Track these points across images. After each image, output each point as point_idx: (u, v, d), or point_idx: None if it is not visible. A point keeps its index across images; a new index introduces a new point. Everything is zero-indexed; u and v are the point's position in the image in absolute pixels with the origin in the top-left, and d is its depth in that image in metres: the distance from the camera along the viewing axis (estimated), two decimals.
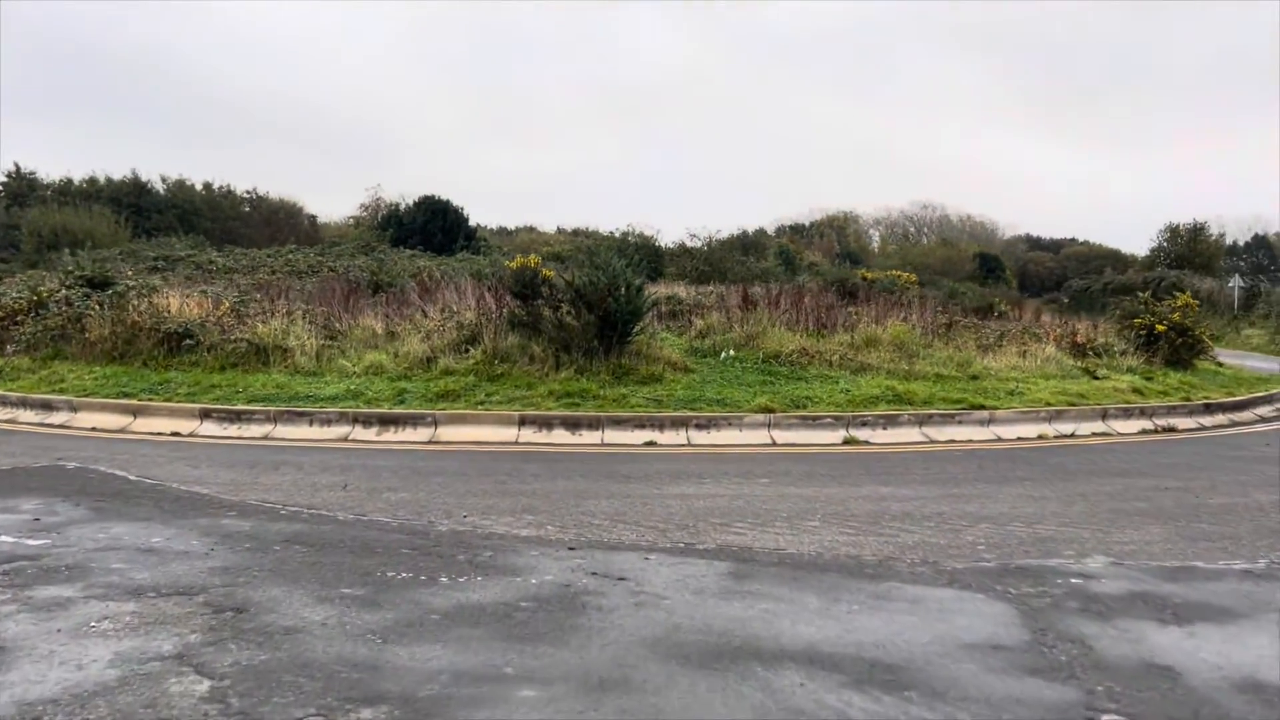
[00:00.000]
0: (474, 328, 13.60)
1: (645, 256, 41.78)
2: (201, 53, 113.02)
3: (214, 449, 10.76)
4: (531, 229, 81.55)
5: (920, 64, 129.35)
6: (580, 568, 5.70)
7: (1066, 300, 58.06)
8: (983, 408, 12.67)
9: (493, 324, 13.46)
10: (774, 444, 11.47)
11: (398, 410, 11.88)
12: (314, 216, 73.96)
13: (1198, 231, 72.33)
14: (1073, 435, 12.58)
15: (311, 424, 11.81)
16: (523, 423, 11.62)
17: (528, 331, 13.54)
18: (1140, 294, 18.47)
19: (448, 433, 11.51)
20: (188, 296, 15.31)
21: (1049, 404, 13.16)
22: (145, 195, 61.78)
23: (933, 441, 11.86)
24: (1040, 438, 12.36)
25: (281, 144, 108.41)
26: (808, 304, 16.50)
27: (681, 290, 22.16)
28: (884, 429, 12.07)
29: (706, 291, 21.50)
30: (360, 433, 11.60)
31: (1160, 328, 16.43)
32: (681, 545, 6.40)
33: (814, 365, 14.05)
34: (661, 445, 11.28)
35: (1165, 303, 17.73)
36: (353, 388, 12.63)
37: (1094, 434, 12.77)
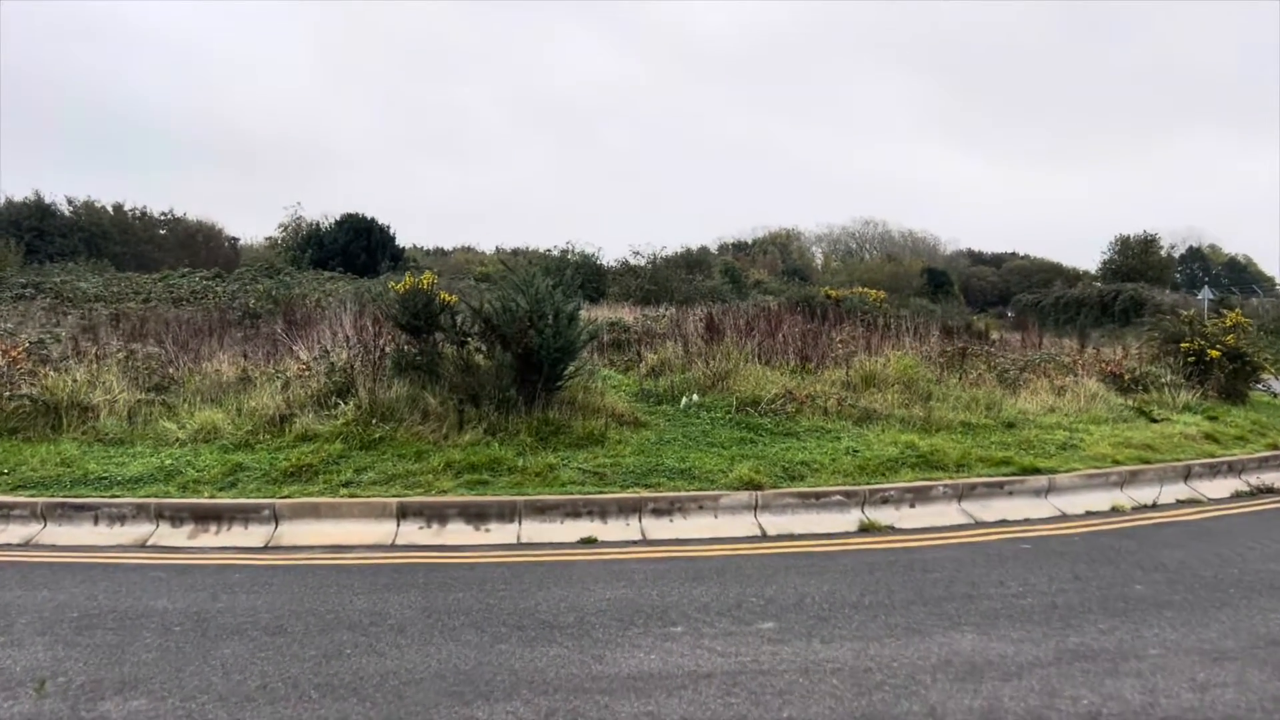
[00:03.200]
0: (348, 372, 9.99)
1: (587, 275, 38.61)
2: (121, 73, 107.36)
3: None
4: (469, 249, 78.20)
5: (858, 81, 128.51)
6: None
7: (1013, 315, 55.99)
8: (1037, 471, 9.42)
9: (372, 367, 9.86)
10: (764, 536, 8.07)
11: (223, 499, 8.24)
12: (235, 239, 70.24)
13: (1149, 244, 70.93)
14: (1154, 505, 9.39)
15: (97, 521, 8.11)
16: (404, 514, 8.06)
17: (422, 377, 9.99)
18: (1183, 312, 15.50)
19: (294, 532, 7.91)
20: None
21: (1116, 461, 9.96)
22: (48, 218, 57.42)
23: (980, 524, 8.57)
24: (1115, 511, 9.15)
25: (207, 166, 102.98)
26: (787, 331, 13.16)
27: (627, 314, 18.78)
28: (911, 507, 8.74)
29: (657, 315, 18.10)
30: (166, 534, 7.94)
31: (1213, 353, 13.43)
32: None
33: (804, 414, 10.69)
34: (604, 544, 7.81)
35: (1213, 322, 14.76)
36: (169, 463, 8.95)
37: (1179, 501, 9.59)
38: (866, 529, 8.28)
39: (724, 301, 27.52)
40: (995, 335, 21.55)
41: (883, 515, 8.52)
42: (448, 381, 9.93)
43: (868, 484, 8.84)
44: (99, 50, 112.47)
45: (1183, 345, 13.88)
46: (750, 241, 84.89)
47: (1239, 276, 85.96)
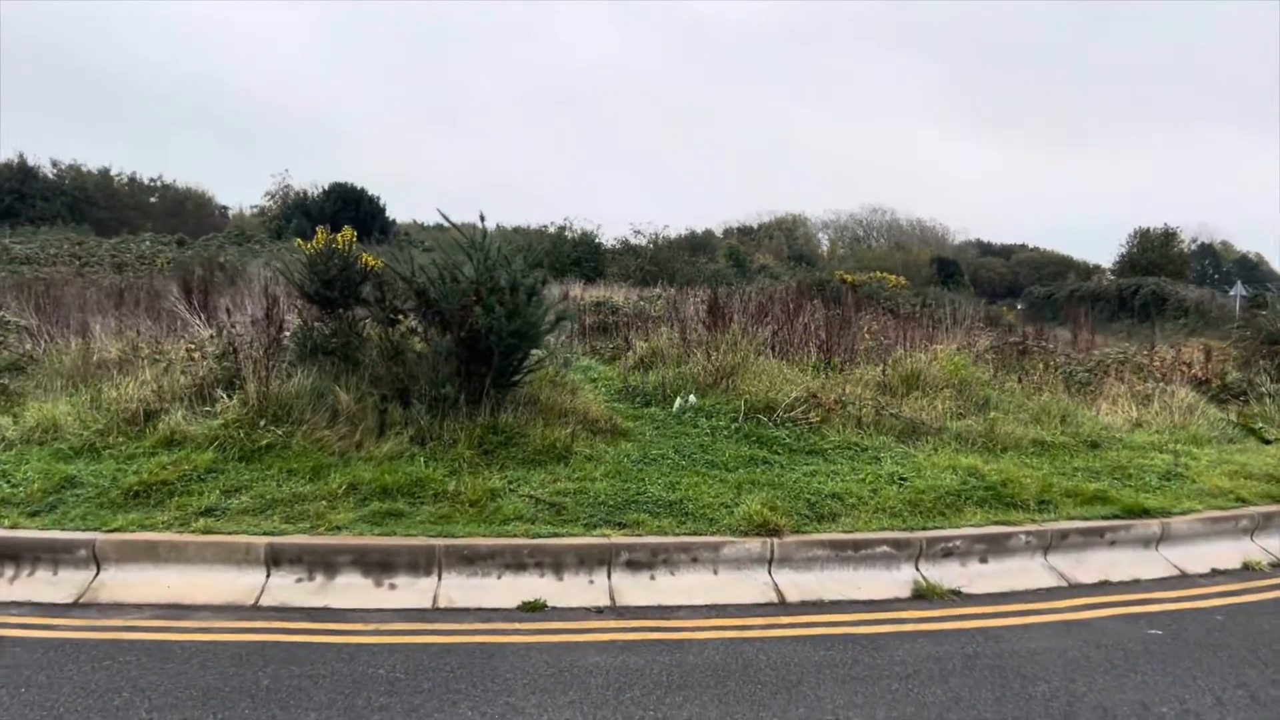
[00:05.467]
0: (234, 356, 7.61)
1: (584, 253, 36.29)
2: (115, 36, 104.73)
3: None
4: (471, 226, 75.50)
5: (866, 68, 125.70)
6: None
7: (1024, 308, 53.58)
8: (1145, 513, 7.06)
9: (265, 350, 7.48)
10: (782, 604, 5.75)
11: (29, 529, 5.90)
12: (225, 208, 68.22)
13: (1169, 237, 68.40)
14: None
15: None
16: (276, 560, 5.72)
17: (335, 365, 7.64)
18: None
19: (120, 583, 5.60)
20: None
21: (1240, 498, 7.62)
22: (30, 180, 55.28)
23: (1075, 587, 6.25)
24: (1248, 569, 6.84)
25: (208, 136, 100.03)
26: (808, 318, 10.76)
27: (619, 295, 16.40)
28: (983, 562, 6.41)
29: (652, 296, 15.71)
30: None
31: None
32: None
33: (832, 425, 8.34)
34: (555, 612, 5.49)
35: None
36: None
37: None
38: (923, 595, 5.96)
39: (728, 285, 25.25)
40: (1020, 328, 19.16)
41: (945, 574, 6.18)
42: (368, 372, 7.60)
43: (923, 529, 6.49)
44: (90, 12, 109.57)
45: None
46: (756, 226, 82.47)
47: (1250, 274, 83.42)
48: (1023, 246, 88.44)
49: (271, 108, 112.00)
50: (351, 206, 48.36)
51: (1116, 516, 6.99)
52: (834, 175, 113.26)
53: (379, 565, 5.74)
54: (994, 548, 6.46)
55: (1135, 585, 6.39)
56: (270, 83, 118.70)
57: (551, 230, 43.33)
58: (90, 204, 58.17)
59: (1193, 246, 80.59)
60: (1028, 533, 6.58)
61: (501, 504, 6.41)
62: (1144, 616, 5.78)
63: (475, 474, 6.82)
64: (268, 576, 5.68)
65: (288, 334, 7.96)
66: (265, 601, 5.50)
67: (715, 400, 8.87)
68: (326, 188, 50.67)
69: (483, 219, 7.80)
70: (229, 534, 5.86)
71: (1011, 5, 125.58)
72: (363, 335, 7.90)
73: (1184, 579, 6.59)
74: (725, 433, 8.12)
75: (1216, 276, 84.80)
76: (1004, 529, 6.59)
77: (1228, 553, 7.01)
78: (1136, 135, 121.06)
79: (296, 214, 48.28)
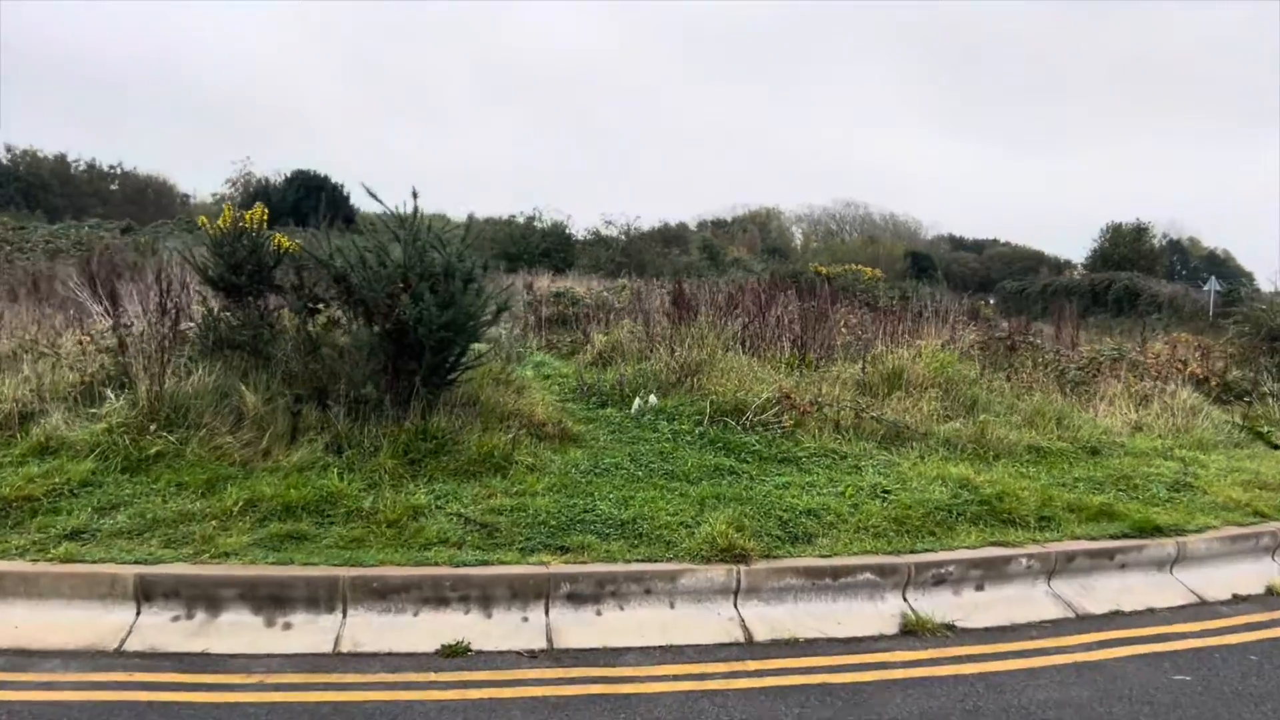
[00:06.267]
0: (122, 350, 6.64)
1: (554, 244, 35.44)
2: (79, 21, 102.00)
3: None
4: (441, 216, 74.18)
5: (841, 61, 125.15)
6: None
7: (996, 302, 53.14)
8: (1157, 530, 6.29)
9: (158, 344, 6.51)
10: (750, 643, 4.91)
11: None
12: (187, 195, 66.37)
13: (1141, 232, 68.35)
14: None
15: None
16: (148, 595, 4.80)
17: (243, 361, 6.69)
18: None
19: None
20: None
21: (1258, 512, 6.87)
22: None
23: (1083, 618, 5.47)
24: (1273, 594, 6.09)
25: (174, 125, 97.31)
26: (781, 310, 9.91)
27: (581, 287, 15.51)
28: (978, 590, 5.60)
29: (616, 286, 14.84)
30: None
31: None
32: None
33: (807, 429, 7.49)
34: (480, 658, 4.61)
35: None
36: None
37: None
38: (912, 630, 5.14)
39: (699, 277, 24.49)
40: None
41: (936, 606, 5.36)
42: (281, 369, 6.66)
43: (910, 551, 5.67)
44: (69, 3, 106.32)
45: None
46: (729, 219, 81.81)
47: (1218, 270, 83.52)
48: (994, 241, 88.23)
49: (239, 96, 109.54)
50: (314, 195, 46.94)
51: (1126, 535, 6.21)
52: (807, 169, 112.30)
53: (272, 600, 4.83)
54: (991, 573, 5.65)
55: (1151, 616, 5.62)
56: (238, 71, 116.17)
57: (520, 220, 42.41)
58: (46, 190, 56.67)
59: (1163, 242, 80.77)
60: (1029, 556, 5.77)
61: (425, 524, 5.51)
62: (1166, 656, 4.99)
63: (397, 488, 5.91)
64: (138, 614, 4.76)
65: (192, 325, 7.02)
66: (131, 645, 4.58)
67: (678, 401, 8.01)
68: (288, 175, 49.33)
69: (415, 195, 6.87)
70: (93, 562, 4.93)
71: (988, 4, 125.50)
72: (276, 327, 6.97)
73: (1204, 607, 5.82)
74: (688, 438, 7.26)
75: (1184, 272, 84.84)
76: (1002, 551, 5.78)
77: (1249, 576, 6.25)
78: (1107, 131, 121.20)
79: (259, 201, 46.89)
